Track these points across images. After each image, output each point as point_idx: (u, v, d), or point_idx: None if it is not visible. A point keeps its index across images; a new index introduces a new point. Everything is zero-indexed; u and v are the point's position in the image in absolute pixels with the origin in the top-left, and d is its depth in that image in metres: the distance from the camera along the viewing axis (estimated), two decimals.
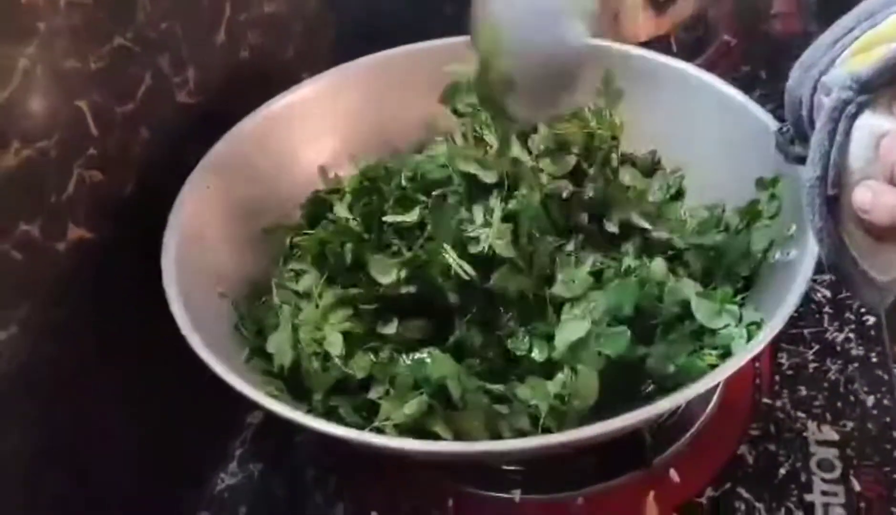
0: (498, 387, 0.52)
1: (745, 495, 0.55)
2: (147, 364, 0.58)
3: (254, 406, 0.61)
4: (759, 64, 0.89)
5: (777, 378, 0.62)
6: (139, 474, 0.57)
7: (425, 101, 0.67)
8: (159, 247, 0.56)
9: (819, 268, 0.49)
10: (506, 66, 0.53)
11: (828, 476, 0.56)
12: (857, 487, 0.55)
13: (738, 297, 0.55)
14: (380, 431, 0.50)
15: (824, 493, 0.55)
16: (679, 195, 0.65)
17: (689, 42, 0.90)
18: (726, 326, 0.53)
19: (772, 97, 0.61)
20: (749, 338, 0.52)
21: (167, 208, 0.58)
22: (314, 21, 0.81)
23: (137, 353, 0.57)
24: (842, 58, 0.44)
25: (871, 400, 0.60)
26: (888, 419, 0.58)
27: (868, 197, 0.41)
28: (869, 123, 0.42)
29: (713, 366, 0.51)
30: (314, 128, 0.68)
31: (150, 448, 0.57)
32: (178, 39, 0.61)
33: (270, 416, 0.62)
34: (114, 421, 0.55)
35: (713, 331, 0.54)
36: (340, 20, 0.84)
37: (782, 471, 0.56)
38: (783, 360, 0.63)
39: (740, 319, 0.54)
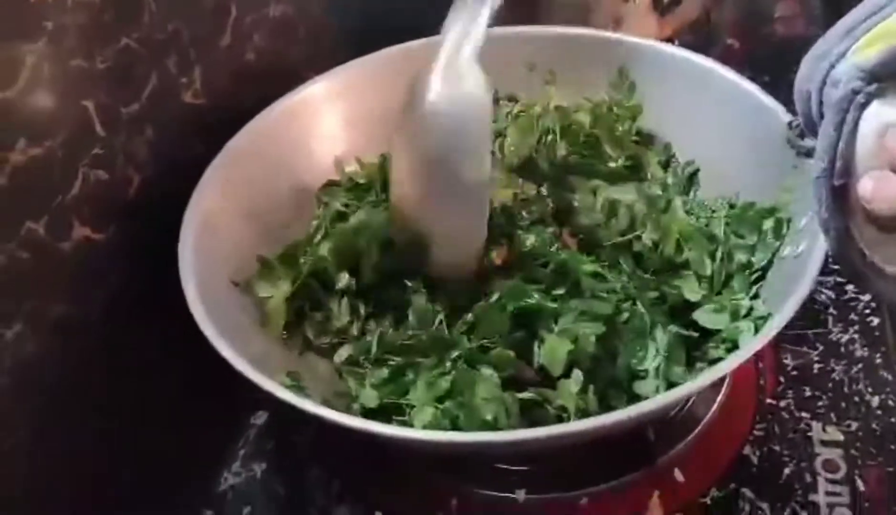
0: (530, 395, 0.52)
1: (750, 495, 0.55)
2: (152, 362, 0.58)
3: (257, 405, 0.61)
4: (763, 67, 0.88)
5: (781, 378, 0.62)
6: (143, 471, 0.57)
7: None
8: (164, 247, 0.56)
9: (825, 267, 0.49)
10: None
11: (832, 476, 0.55)
12: (862, 487, 0.55)
13: (754, 288, 0.55)
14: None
15: (829, 493, 0.55)
16: (691, 185, 0.66)
17: (693, 46, 0.89)
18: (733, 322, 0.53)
19: (776, 100, 0.61)
20: (756, 332, 0.52)
21: (172, 208, 0.58)
22: (318, 23, 0.81)
23: (142, 352, 0.57)
24: (852, 50, 0.43)
25: (875, 401, 0.60)
26: (893, 419, 0.58)
27: (870, 186, 0.41)
28: (877, 113, 0.41)
29: (719, 359, 0.51)
30: (331, 121, 0.69)
31: (154, 447, 0.57)
32: (184, 40, 0.61)
33: (274, 416, 0.62)
34: (118, 419, 0.55)
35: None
36: (342, 24, 0.85)
37: (787, 471, 0.56)
38: (787, 361, 0.63)
39: (749, 312, 0.54)
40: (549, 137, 0.65)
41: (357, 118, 0.69)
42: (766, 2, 1.00)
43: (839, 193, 0.43)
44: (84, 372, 0.53)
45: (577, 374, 0.52)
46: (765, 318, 0.52)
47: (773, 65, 0.88)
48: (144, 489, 0.57)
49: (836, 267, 0.48)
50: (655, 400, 0.46)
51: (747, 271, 0.57)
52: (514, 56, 0.70)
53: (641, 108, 0.68)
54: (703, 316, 0.55)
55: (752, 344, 0.49)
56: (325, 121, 0.68)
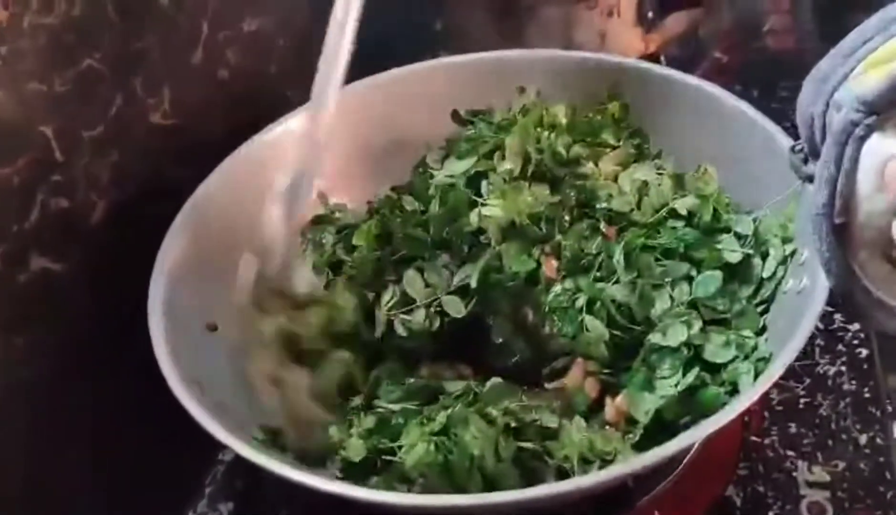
0: (531, 446, 0.50)
1: None
2: (116, 396, 0.56)
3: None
4: (752, 82, 0.87)
5: (766, 414, 0.60)
6: (103, 507, 0.55)
7: (421, 123, 0.66)
8: (132, 273, 0.54)
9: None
10: None
11: None
12: None
13: (762, 319, 0.53)
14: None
15: None
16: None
17: (680, 60, 0.88)
18: (734, 359, 0.52)
19: (765, 115, 0.59)
20: (756, 374, 0.50)
21: (138, 235, 0.56)
22: (299, 39, 0.79)
23: (106, 385, 0.55)
24: (855, 72, 0.41)
25: (863, 439, 0.58)
26: (881, 459, 0.56)
27: None
28: (878, 147, 0.39)
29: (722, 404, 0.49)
30: None
31: (117, 484, 0.56)
32: (151, 60, 0.59)
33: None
34: (80, 454, 0.53)
35: (718, 367, 0.52)
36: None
37: None
38: (773, 395, 0.61)
39: (752, 351, 0.52)
40: (549, 134, 0.62)
41: (337, 151, 0.66)
42: (755, 15, 0.98)
43: (840, 230, 0.41)
44: (45, 405, 0.51)
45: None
46: (766, 359, 0.50)
47: (762, 79, 0.87)
48: None
49: None
50: (654, 452, 0.44)
51: (755, 303, 0.55)
52: (503, 80, 0.68)
53: (627, 110, 0.66)
54: (712, 350, 0.53)
55: (752, 390, 0.47)
56: None
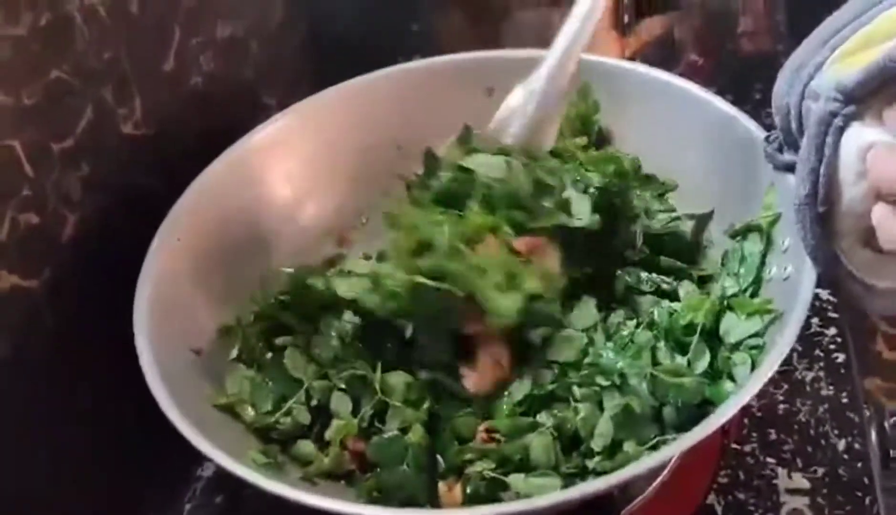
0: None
1: None
2: (90, 415, 0.55)
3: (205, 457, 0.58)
4: (727, 84, 0.88)
5: (745, 420, 0.60)
6: None
7: (400, 127, 0.66)
8: (107, 287, 0.53)
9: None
10: None
11: None
12: None
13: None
14: None
15: None
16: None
17: (656, 62, 0.88)
18: (755, 335, 0.49)
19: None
20: (753, 366, 0.48)
21: (112, 250, 0.55)
22: (273, 43, 0.78)
23: (80, 404, 0.54)
24: (831, 59, 0.42)
25: (842, 444, 0.58)
26: (860, 464, 0.57)
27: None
28: (857, 135, 0.40)
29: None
30: (288, 163, 0.65)
31: (94, 502, 0.55)
32: (122, 68, 0.58)
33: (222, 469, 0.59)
34: (52, 473, 0.52)
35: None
36: (303, 40, 0.82)
37: None
38: (752, 401, 0.61)
39: (773, 322, 0.49)
40: None
41: (319, 156, 0.66)
42: (729, 17, 0.99)
43: (824, 218, 0.42)
44: (16, 425, 0.50)
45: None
46: (759, 348, 0.49)
47: (737, 81, 0.87)
48: None
49: None
50: (652, 456, 0.44)
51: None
52: (471, 81, 0.68)
53: (597, 108, 0.66)
54: (732, 324, 0.50)
55: (755, 377, 0.44)
56: (284, 163, 0.64)
